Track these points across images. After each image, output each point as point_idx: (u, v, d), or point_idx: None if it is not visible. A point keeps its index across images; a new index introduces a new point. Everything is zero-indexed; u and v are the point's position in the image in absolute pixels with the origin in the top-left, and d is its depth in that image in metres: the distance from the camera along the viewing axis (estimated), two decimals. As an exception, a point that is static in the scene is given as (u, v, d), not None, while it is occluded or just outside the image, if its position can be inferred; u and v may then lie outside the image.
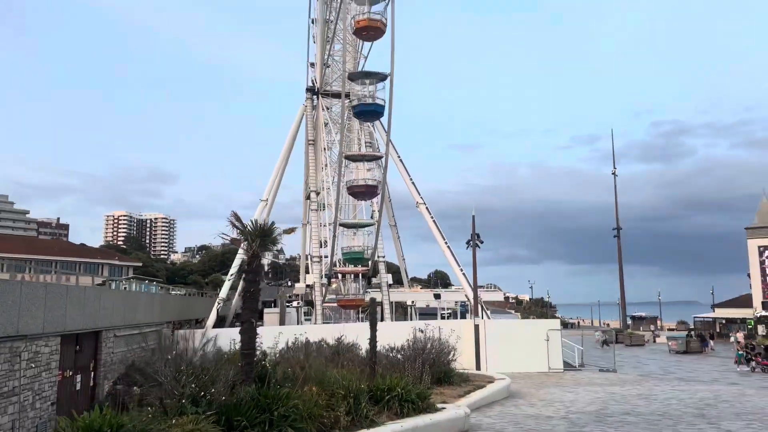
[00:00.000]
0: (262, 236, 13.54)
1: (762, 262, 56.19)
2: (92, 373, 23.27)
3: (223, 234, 14.23)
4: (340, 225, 37.67)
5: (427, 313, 49.34)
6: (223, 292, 38.27)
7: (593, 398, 22.73)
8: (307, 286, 40.47)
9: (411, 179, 42.35)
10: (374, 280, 40.20)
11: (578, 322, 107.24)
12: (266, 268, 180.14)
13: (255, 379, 13.59)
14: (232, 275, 38.86)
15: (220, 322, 46.49)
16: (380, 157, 36.64)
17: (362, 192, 35.62)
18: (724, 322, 63.86)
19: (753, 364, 33.06)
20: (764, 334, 54.51)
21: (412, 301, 48.26)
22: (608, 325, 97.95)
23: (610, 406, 20.64)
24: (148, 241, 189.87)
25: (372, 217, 40.38)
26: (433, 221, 41.25)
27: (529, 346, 32.82)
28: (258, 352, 15.03)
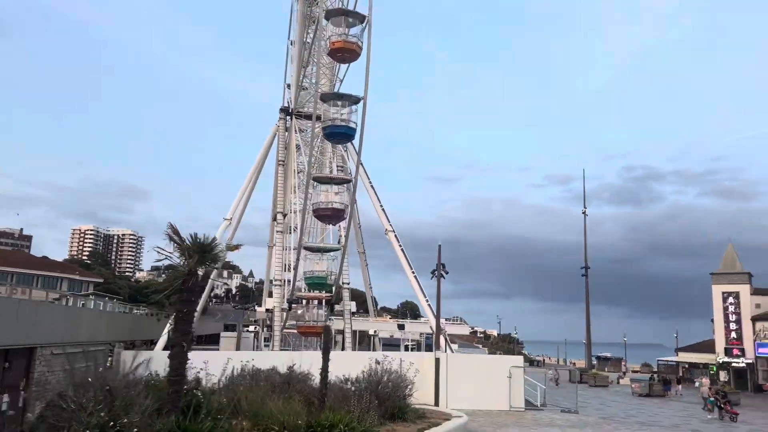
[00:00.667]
0: (200, 252, 12.45)
1: (725, 308, 56.38)
2: (22, 392, 21.59)
3: (158, 248, 13.11)
4: (305, 248, 36.47)
5: (391, 344, 48.07)
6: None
7: (552, 441, 21.73)
8: (267, 310, 39.00)
9: (381, 206, 41.51)
10: (338, 307, 38.91)
11: (543, 360, 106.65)
12: (234, 290, 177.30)
13: (183, 409, 12.35)
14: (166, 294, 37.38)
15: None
16: (349, 181, 35.74)
17: (329, 215, 34.54)
18: (687, 366, 63.73)
19: (723, 412, 32.18)
20: (725, 380, 54.39)
21: (375, 331, 46.96)
22: (574, 364, 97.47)
23: (568, 450, 19.66)
24: (114, 257, 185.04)
25: (339, 243, 39.34)
26: (401, 250, 40.34)
27: (491, 382, 31.83)
28: (191, 379, 13.81)
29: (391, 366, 23.29)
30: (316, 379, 22.68)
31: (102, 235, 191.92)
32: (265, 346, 43.34)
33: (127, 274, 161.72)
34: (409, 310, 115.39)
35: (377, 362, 22.74)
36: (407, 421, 20.72)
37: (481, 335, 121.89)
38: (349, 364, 23.73)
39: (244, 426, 11.52)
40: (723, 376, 54.64)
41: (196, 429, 10.38)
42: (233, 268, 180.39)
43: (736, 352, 55.06)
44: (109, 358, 30.63)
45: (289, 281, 38.74)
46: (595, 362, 76.89)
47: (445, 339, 37.26)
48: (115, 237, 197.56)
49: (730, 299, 55.80)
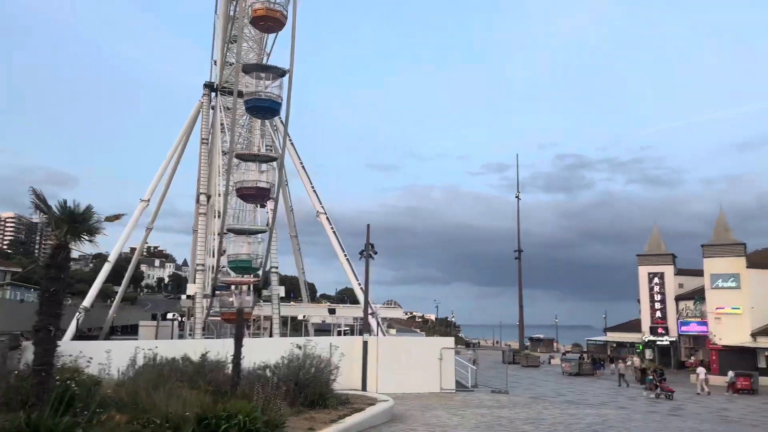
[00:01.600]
0: (72, 222, 10.69)
1: (651, 288, 57.95)
2: None
3: (19, 216, 11.27)
4: (229, 231, 34.52)
5: (324, 330, 46.79)
6: (87, 300, 33.91)
7: (478, 422, 21.02)
8: (188, 297, 36.85)
9: (312, 187, 39.89)
10: (266, 293, 37.21)
11: (479, 342, 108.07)
12: (167, 280, 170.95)
13: (55, 404, 10.61)
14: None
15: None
16: (275, 159, 33.94)
17: (253, 195, 32.68)
18: (615, 345, 65.40)
19: (658, 390, 32.25)
20: (651, 358, 56.03)
21: (304, 316, 45.44)
22: (509, 345, 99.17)
23: (495, 429, 18.94)
24: (38, 245, 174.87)
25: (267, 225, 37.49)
26: (334, 232, 38.95)
27: (422, 365, 31.10)
28: (74, 369, 12.03)
29: (314, 351, 22.01)
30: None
31: (25, 223, 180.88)
32: (190, 334, 41.14)
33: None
34: (348, 297, 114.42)
35: (298, 347, 21.41)
36: (328, 408, 19.51)
37: (420, 320, 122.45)
38: (271, 351, 22.29)
39: (118, 420, 9.95)
40: (648, 354, 56.23)
41: (50, 425, 8.77)
42: (166, 257, 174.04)
43: (660, 330, 56.77)
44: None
45: (213, 267, 36.67)
46: (528, 343, 78.16)
47: (378, 322, 36.25)
48: (38, 225, 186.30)
49: (656, 279, 57.38)
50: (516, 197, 67.14)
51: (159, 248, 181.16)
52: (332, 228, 38.56)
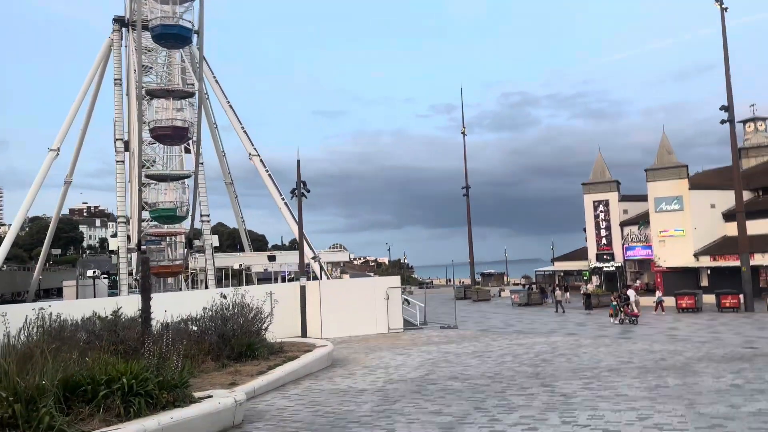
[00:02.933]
0: None
1: (596, 216, 57.95)
2: None
3: None
4: (148, 177, 31.48)
5: (267, 279, 44.79)
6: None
7: (423, 360, 19.64)
8: (111, 252, 33.92)
9: (243, 128, 36.91)
10: (198, 243, 34.63)
11: (432, 282, 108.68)
12: (109, 239, 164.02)
13: None
14: None
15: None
16: (192, 94, 30.74)
17: (169, 135, 29.54)
18: (562, 274, 65.97)
19: (621, 315, 31.22)
20: (597, 284, 56.55)
21: (240, 265, 43.19)
22: (462, 282, 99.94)
23: (438, 369, 17.54)
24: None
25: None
26: (269, 175, 36.37)
27: (368, 306, 29.61)
28: None
29: (242, 300, 19.92)
30: (156, 323, 19.10)
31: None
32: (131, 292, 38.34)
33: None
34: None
35: (223, 296, 19.29)
36: (258, 360, 17.66)
37: (373, 264, 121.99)
38: (198, 303, 20.10)
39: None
40: (595, 280, 56.70)
41: None
42: (107, 216, 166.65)
43: (606, 256, 57.16)
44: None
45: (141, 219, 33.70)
46: (479, 279, 78.39)
47: (321, 266, 34.42)
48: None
49: (601, 207, 57.32)
50: (462, 133, 65.49)
51: (100, 207, 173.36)
52: (267, 171, 35.98)
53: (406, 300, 32.91)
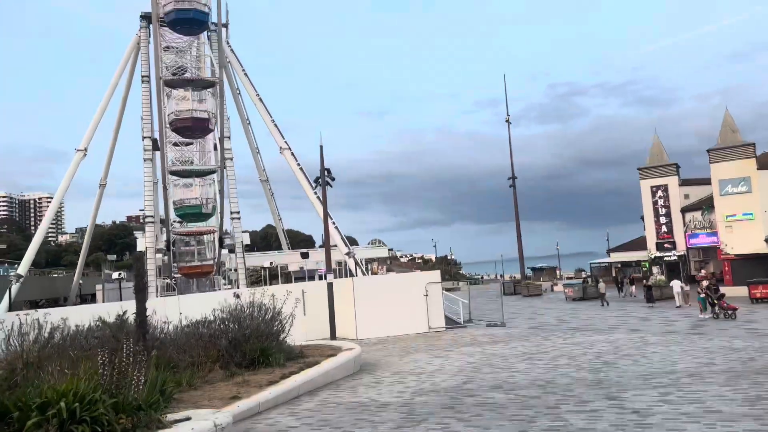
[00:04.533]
0: None
1: (655, 203, 53.52)
2: None
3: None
4: (172, 173, 29.87)
5: (303, 277, 42.86)
6: (22, 267, 29.63)
7: (463, 364, 16.94)
8: (141, 253, 32.52)
9: (273, 121, 34.95)
10: (229, 242, 32.91)
11: (482, 277, 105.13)
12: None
13: None
14: None
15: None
16: (213, 84, 28.86)
17: (189, 127, 27.78)
18: (619, 266, 61.54)
19: (716, 309, 26.07)
20: (656, 275, 52.07)
21: (271, 263, 41.26)
22: (514, 277, 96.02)
23: (479, 376, 14.81)
24: (33, 222, 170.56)
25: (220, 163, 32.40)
26: (301, 169, 34.26)
27: (406, 304, 27.07)
28: None
29: (261, 300, 17.73)
30: (171, 327, 17.21)
31: (17, 201, 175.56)
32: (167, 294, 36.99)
33: (49, 238, 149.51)
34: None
35: (236, 296, 17.16)
36: (272, 367, 15.38)
37: (420, 261, 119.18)
38: (213, 305, 18.08)
39: None
40: (656, 271, 52.30)
41: None
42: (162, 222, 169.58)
43: (667, 245, 52.68)
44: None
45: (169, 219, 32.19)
46: (530, 274, 74.59)
47: (356, 262, 32.07)
48: (31, 202, 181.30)
49: (659, 193, 52.88)
50: (506, 121, 62.04)
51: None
52: (298, 164, 33.86)
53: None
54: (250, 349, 15.53)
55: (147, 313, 14.13)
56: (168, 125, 28.35)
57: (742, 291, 37.16)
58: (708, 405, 9.77)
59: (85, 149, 32.50)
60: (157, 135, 34.27)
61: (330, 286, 23.55)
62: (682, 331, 22.61)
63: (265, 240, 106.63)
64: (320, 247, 62.84)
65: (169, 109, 27.80)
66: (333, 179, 23.57)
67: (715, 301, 25.78)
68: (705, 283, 27.33)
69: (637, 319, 28.72)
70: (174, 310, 19.77)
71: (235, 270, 32.20)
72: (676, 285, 34.43)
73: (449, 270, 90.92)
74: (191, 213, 29.61)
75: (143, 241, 31.38)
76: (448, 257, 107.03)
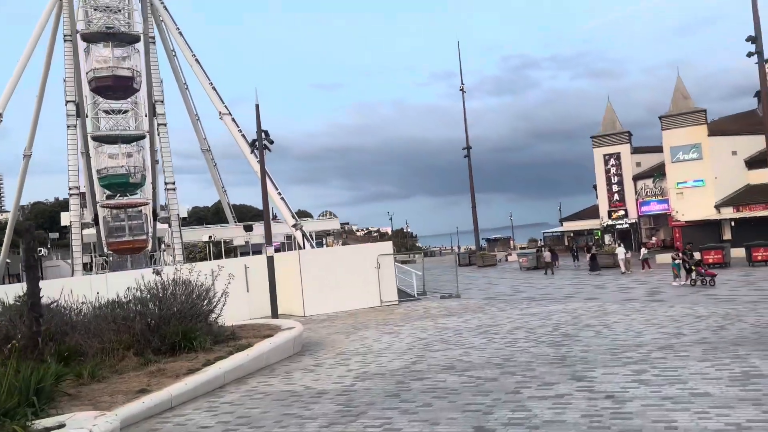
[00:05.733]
0: None
1: (607, 171, 53.14)
2: None
3: None
4: (94, 139, 26.92)
5: (255, 253, 40.50)
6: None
7: (414, 341, 15.32)
8: (64, 228, 29.63)
9: (212, 84, 32.15)
10: (164, 214, 30.27)
11: (440, 250, 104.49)
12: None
13: None
14: None
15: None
16: (137, 38, 25.87)
17: (110, 86, 24.82)
18: (572, 234, 61.40)
19: (693, 275, 24.37)
20: (610, 243, 51.95)
21: (210, 237, 38.60)
22: (469, 248, 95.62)
23: (430, 354, 13.19)
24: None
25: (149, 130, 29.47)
26: (243, 136, 31.71)
27: (357, 277, 25.35)
28: None
29: (188, 277, 15.59)
30: (89, 305, 14.96)
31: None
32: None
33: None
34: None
35: (156, 273, 14.98)
36: (197, 351, 13.38)
37: (376, 234, 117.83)
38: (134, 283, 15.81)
39: None
40: (608, 239, 52.17)
41: None
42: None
43: (619, 213, 52.50)
44: None
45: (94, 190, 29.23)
46: (485, 245, 74.02)
47: (303, 234, 30.06)
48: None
49: (612, 161, 52.48)
50: (461, 90, 60.26)
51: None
52: (240, 131, 31.30)
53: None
54: (171, 332, 13.46)
55: (41, 294, 11.87)
56: (88, 85, 25.33)
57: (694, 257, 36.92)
58: (692, 386, 8.33)
59: (0, 114, 29.01)
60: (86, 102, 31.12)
61: (270, 260, 21.52)
62: (640, 299, 21.66)
63: (217, 215, 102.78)
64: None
65: (88, 66, 24.76)
66: (271, 142, 21.34)
67: (693, 267, 24.44)
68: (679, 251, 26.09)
69: (592, 287, 27.87)
70: (101, 290, 17.48)
71: (170, 246, 29.59)
72: (621, 252, 34.39)
73: (405, 243, 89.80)
74: (117, 183, 26.81)
75: (67, 216, 28.48)
76: (404, 230, 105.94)
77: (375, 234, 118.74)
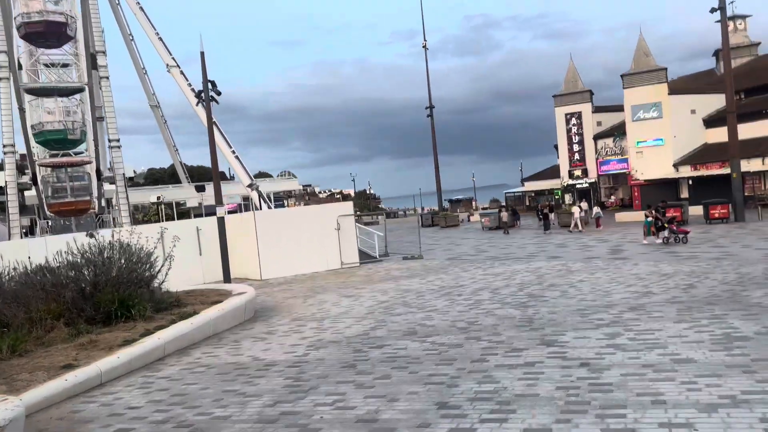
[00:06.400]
0: None
1: (569, 130, 52.88)
2: None
3: None
4: (28, 93, 24.71)
5: (209, 215, 38.91)
6: None
7: (375, 304, 14.45)
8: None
9: (158, 35, 29.79)
10: (110, 174, 28.33)
11: (405, 212, 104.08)
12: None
13: None
14: None
15: None
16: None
17: (41, 33, 22.47)
18: (533, 194, 61.52)
19: (666, 233, 23.65)
20: (570, 203, 52.11)
21: (159, 198, 36.68)
22: (432, 209, 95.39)
23: (391, 318, 12.33)
24: None
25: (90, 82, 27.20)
26: (192, 90, 29.64)
27: (316, 239, 24.35)
28: None
29: (128, 240, 14.24)
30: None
31: None
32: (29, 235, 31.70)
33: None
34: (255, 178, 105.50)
35: (90, 236, 13.59)
36: (133, 321, 12.17)
37: (339, 196, 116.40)
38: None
39: None
40: (568, 198, 52.30)
41: None
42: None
43: (579, 173, 52.55)
44: None
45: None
46: (447, 206, 73.76)
47: (260, 195, 28.63)
48: None
49: (573, 120, 52.18)
50: (423, 47, 58.59)
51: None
52: (189, 85, 29.27)
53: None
54: (106, 300, 12.19)
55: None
56: (17, 32, 22.91)
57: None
58: (673, 351, 7.63)
59: None
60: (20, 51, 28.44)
61: (221, 221, 20.17)
62: (602, 257, 21.29)
63: (174, 177, 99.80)
64: (225, 182, 57.07)
65: (17, 11, 22.31)
66: (219, 93, 19.68)
67: (666, 224, 23.84)
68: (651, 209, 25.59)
69: (555, 246, 27.55)
70: (39, 255, 15.93)
71: (116, 207, 27.72)
72: (576, 211, 34.64)
73: (368, 204, 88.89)
74: (54, 139, 24.69)
75: (2, 175, 26.27)
76: (367, 192, 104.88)
77: (338, 196, 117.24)
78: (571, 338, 8.94)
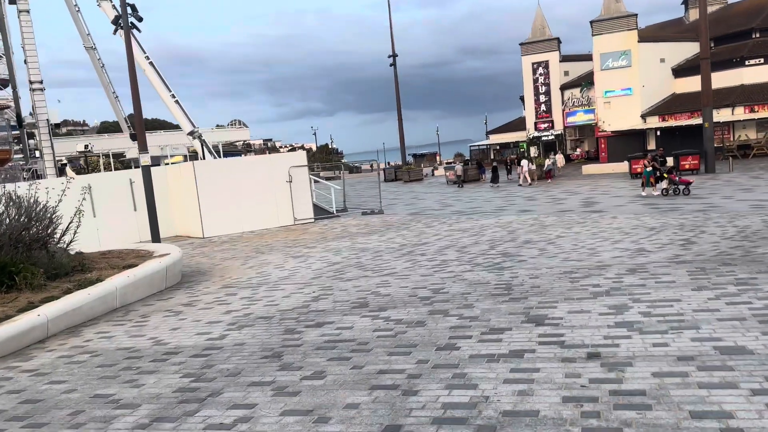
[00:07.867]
0: None
1: (535, 80, 50.65)
2: None
3: None
4: None
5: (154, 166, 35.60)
6: None
7: (323, 267, 12.16)
8: None
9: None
10: (31, 120, 24.87)
11: (371, 166, 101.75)
12: None
13: None
14: None
15: None
16: None
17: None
18: (498, 147, 59.64)
19: (664, 183, 21.71)
20: (536, 155, 50.44)
21: (87, 147, 33.21)
22: (396, 164, 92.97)
23: (341, 284, 10.08)
24: None
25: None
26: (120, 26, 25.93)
27: (266, 192, 21.85)
28: None
29: (27, 195, 11.52)
30: None
31: None
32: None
33: None
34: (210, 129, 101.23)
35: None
36: (18, 291, 9.62)
37: (300, 150, 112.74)
38: None
39: None
40: (533, 151, 50.56)
41: None
42: None
43: (545, 125, 50.65)
44: None
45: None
46: (411, 160, 71.51)
47: (203, 144, 25.69)
48: None
49: (540, 69, 49.91)
50: (384, -8, 54.82)
51: None
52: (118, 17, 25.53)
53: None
54: (-15, 265, 9.56)
55: None
56: None
57: (621, 167, 35.69)
58: (711, 335, 5.53)
59: None
60: None
61: (146, 170, 17.33)
62: (576, 210, 19.50)
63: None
64: (168, 131, 51.29)
65: None
66: (140, 20, 16.59)
67: (665, 174, 21.79)
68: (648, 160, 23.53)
69: (523, 199, 25.76)
70: None
71: (40, 157, 24.40)
72: (525, 164, 33.96)
73: (330, 159, 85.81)
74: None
75: None
76: (329, 146, 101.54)
77: (300, 150, 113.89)
78: (565, 313, 6.83)
